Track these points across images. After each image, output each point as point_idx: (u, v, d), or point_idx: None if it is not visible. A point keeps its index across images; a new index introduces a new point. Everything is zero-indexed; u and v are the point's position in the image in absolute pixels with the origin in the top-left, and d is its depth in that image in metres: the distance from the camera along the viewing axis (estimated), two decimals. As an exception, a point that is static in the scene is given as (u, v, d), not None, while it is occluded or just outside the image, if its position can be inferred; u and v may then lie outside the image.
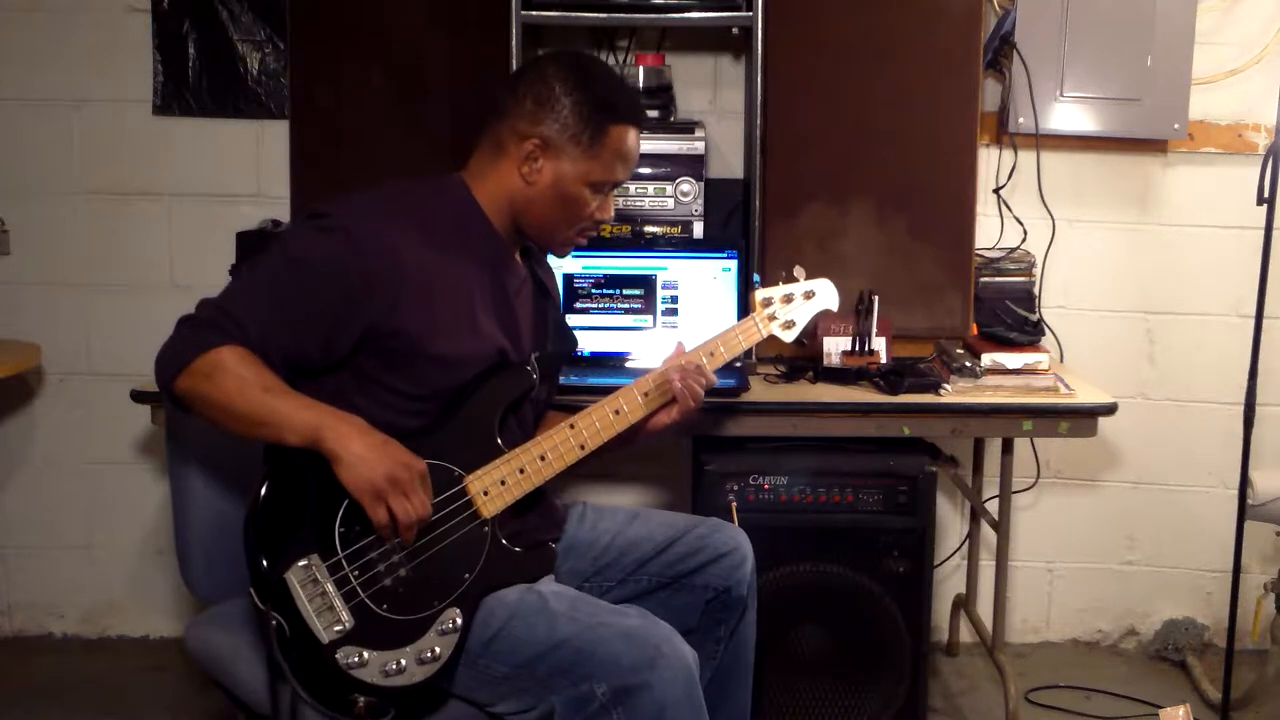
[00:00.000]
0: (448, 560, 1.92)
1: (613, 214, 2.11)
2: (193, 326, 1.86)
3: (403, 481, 1.82)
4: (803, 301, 2.29)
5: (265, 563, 1.81)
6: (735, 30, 2.87)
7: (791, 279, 2.30)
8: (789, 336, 2.29)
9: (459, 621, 1.89)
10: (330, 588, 1.84)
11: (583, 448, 2.05)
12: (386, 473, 1.81)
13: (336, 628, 1.83)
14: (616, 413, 2.08)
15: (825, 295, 2.32)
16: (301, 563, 1.83)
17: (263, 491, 1.84)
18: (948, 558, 3.30)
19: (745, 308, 2.76)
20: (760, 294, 2.29)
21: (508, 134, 2.01)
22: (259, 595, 1.81)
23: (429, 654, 1.86)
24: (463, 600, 1.91)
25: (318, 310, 1.88)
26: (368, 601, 1.86)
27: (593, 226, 2.09)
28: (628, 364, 2.76)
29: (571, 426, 2.05)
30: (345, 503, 1.85)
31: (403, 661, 1.85)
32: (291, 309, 1.87)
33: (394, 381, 1.93)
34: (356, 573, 1.86)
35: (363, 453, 1.80)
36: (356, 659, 1.83)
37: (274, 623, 1.80)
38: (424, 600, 1.89)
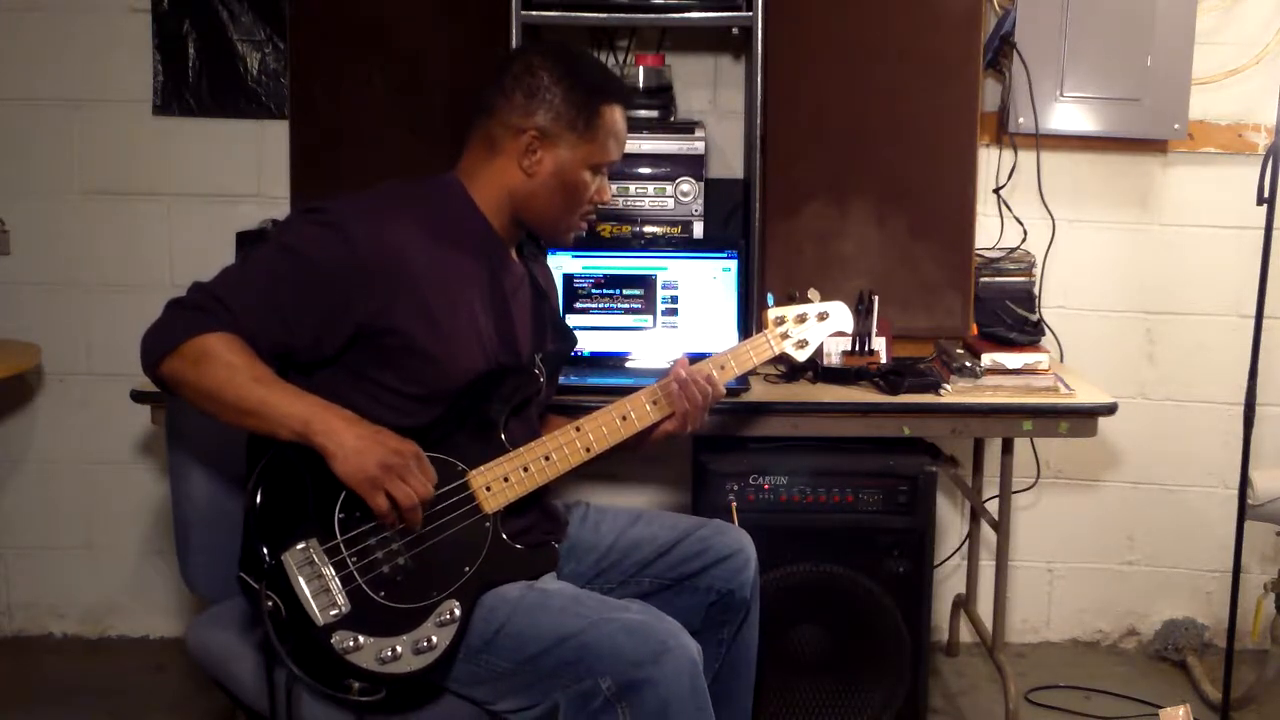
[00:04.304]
0: (448, 552, 1.92)
1: (610, 195, 2.13)
2: (182, 310, 1.85)
3: (397, 466, 1.82)
4: (816, 322, 2.32)
5: (264, 545, 1.82)
6: (735, 30, 2.87)
7: (805, 299, 2.33)
8: (802, 356, 2.32)
9: (457, 613, 1.89)
10: (328, 571, 1.85)
11: (588, 450, 2.06)
12: (379, 460, 1.81)
13: (332, 611, 1.84)
14: (624, 418, 2.09)
15: (839, 317, 2.35)
16: (299, 546, 1.84)
17: (261, 478, 1.85)
18: (948, 558, 3.30)
19: (746, 309, 2.77)
20: (773, 312, 2.31)
21: (500, 130, 2.02)
22: (252, 576, 1.82)
23: (425, 643, 1.87)
24: (462, 593, 1.91)
25: (309, 303, 1.88)
26: (365, 587, 1.86)
27: (593, 210, 2.11)
28: (628, 364, 2.76)
29: (578, 429, 2.06)
30: (344, 489, 1.85)
31: (398, 649, 1.85)
32: (283, 300, 1.87)
33: (389, 380, 1.93)
34: (355, 559, 1.87)
35: (354, 444, 1.81)
36: (352, 643, 1.83)
37: (270, 604, 1.81)
38: (422, 590, 1.89)
